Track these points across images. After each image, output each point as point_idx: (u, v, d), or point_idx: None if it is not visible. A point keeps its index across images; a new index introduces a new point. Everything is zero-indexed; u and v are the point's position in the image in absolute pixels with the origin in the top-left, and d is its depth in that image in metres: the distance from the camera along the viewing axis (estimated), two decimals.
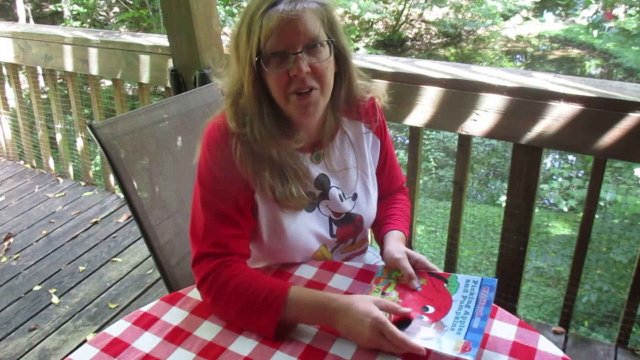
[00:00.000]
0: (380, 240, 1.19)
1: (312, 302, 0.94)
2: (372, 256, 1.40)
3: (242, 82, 1.01)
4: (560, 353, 0.88)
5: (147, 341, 0.96)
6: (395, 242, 1.12)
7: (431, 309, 0.95)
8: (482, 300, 0.94)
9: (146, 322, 1.01)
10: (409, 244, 1.34)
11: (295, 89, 0.98)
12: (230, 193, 1.03)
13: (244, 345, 0.94)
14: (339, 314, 0.91)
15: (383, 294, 1.00)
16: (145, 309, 1.05)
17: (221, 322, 1.00)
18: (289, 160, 1.05)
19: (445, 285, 1.00)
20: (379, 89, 1.18)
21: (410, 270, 1.02)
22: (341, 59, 1.05)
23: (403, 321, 0.92)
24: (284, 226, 1.08)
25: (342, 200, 1.14)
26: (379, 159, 1.24)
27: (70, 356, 0.94)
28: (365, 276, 1.10)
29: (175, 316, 1.02)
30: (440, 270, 1.05)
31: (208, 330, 0.98)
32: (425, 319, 0.93)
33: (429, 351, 0.87)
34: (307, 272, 1.12)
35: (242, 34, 0.97)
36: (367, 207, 1.19)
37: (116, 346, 0.95)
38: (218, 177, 1.03)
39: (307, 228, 1.11)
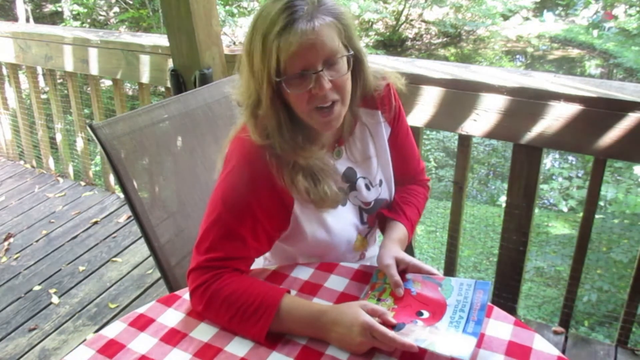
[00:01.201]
0: (383, 229, 1.21)
1: (302, 316, 0.94)
2: (375, 248, 1.40)
3: (258, 95, 0.99)
4: (556, 352, 0.88)
5: (143, 342, 0.96)
6: (390, 244, 1.11)
7: (426, 314, 0.95)
8: (476, 304, 0.95)
9: (142, 324, 1.01)
10: (409, 245, 1.34)
11: (318, 104, 0.97)
12: (252, 213, 1.02)
13: (240, 346, 0.94)
14: (329, 326, 0.92)
15: (379, 300, 1.01)
16: (141, 310, 1.05)
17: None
18: (316, 162, 1.05)
19: (439, 289, 1.00)
20: (394, 74, 1.17)
21: (396, 278, 1.01)
22: (357, 63, 1.03)
23: (397, 325, 0.92)
24: (328, 225, 1.10)
25: (369, 189, 1.17)
26: (389, 143, 1.22)
27: (67, 357, 0.94)
28: (361, 277, 1.10)
29: (171, 317, 1.02)
30: (435, 270, 1.05)
31: (204, 332, 0.98)
32: (420, 323, 0.93)
33: (423, 351, 0.87)
34: (303, 273, 1.12)
35: (256, 50, 0.94)
36: (390, 191, 1.22)
37: (112, 347, 0.95)
38: (243, 196, 1.01)
39: (346, 221, 1.14)
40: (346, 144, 1.13)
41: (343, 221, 1.13)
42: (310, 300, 1.02)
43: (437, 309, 0.95)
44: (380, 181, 1.19)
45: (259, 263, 1.25)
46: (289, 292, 1.00)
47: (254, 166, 1.01)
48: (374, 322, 0.88)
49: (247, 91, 1.01)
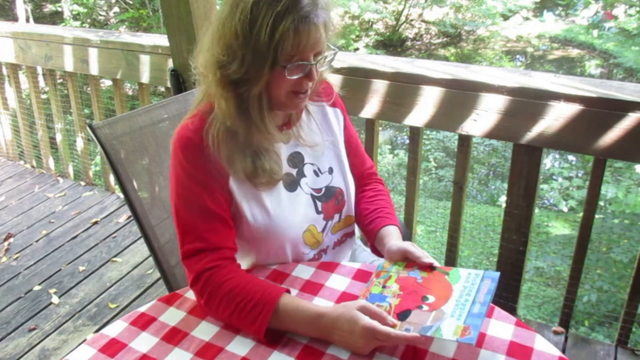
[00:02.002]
0: (374, 234, 1.20)
1: (301, 317, 0.94)
2: (369, 255, 1.40)
3: (248, 74, 0.98)
4: (557, 352, 0.88)
5: (145, 341, 0.96)
6: (396, 239, 1.15)
7: (431, 299, 0.95)
8: (483, 289, 0.94)
9: (143, 323, 1.01)
10: None
11: (299, 90, 1.02)
12: (206, 184, 1.04)
13: (241, 345, 0.94)
14: (329, 329, 0.92)
15: (384, 287, 1.01)
16: (142, 309, 1.05)
17: (218, 322, 1.00)
18: (264, 143, 1.08)
19: (446, 277, 1.00)
20: (329, 76, 1.24)
21: (420, 251, 1.05)
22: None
23: (403, 312, 0.92)
24: (267, 207, 1.10)
25: (317, 175, 1.18)
26: (344, 133, 1.28)
27: (68, 357, 0.94)
28: (362, 276, 1.10)
29: (172, 316, 1.02)
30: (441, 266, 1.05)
31: (205, 331, 0.98)
32: (425, 308, 0.93)
33: (425, 351, 0.87)
34: (304, 272, 1.12)
35: (262, 31, 0.93)
36: (345, 179, 1.23)
37: (113, 346, 0.95)
38: (191, 172, 1.04)
39: (290, 207, 1.13)
40: (294, 128, 1.16)
41: (286, 205, 1.12)
42: (309, 301, 1.02)
43: (442, 294, 0.95)
44: (331, 169, 1.21)
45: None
46: (288, 291, 1.00)
47: (192, 140, 1.03)
48: (374, 324, 0.88)
49: (234, 65, 0.98)
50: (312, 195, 1.17)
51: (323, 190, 1.19)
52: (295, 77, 0.99)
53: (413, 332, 0.87)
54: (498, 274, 0.97)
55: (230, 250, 1.06)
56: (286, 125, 1.15)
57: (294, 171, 1.15)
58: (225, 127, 1.04)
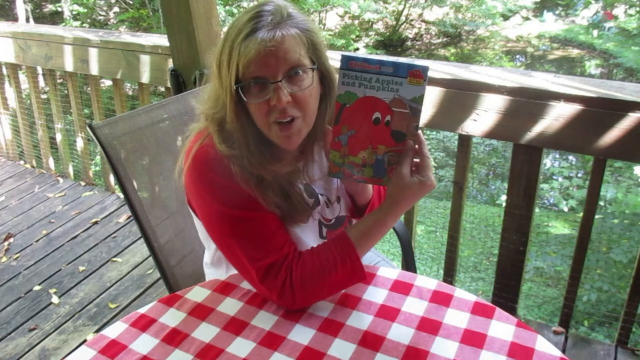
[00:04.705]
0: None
1: (373, 229, 1.00)
2: (374, 256, 1.40)
3: (225, 106, 0.98)
4: (558, 353, 0.88)
5: (145, 343, 0.96)
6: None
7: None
8: None
9: (144, 324, 1.01)
10: (408, 244, 1.33)
11: (276, 118, 0.95)
12: (244, 194, 0.99)
13: (241, 347, 0.94)
14: (395, 209, 0.99)
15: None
16: (142, 310, 1.05)
17: (219, 323, 1.00)
18: (284, 178, 1.03)
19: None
20: None
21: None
22: (326, 82, 1.02)
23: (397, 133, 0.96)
24: (297, 237, 1.08)
25: (328, 206, 1.14)
26: None
27: (68, 358, 0.94)
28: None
29: (172, 318, 1.02)
30: None
31: (206, 332, 0.98)
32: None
33: (425, 352, 0.87)
34: None
35: (224, 60, 0.94)
36: (353, 207, 1.20)
37: (113, 348, 0.95)
38: (226, 186, 0.99)
39: (302, 232, 1.11)
40: (303, 162, 1.10)
41: (299, 232, 1.09)
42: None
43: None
44: (338, 197, 1.17)
45: (221, 274, 1.19)
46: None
47: (218, 163, 0.99)
48: (402, 166, 0.96)
49: (215, 103, 1.00)
50: (319, 221, 1.14)
51: (333, 220, 1.16)
52: (255, 100, 0.94)
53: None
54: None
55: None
56: (297, 159, 1.09)
57: (312, 200, 1.11)
58: (238, 163, 0.99)
